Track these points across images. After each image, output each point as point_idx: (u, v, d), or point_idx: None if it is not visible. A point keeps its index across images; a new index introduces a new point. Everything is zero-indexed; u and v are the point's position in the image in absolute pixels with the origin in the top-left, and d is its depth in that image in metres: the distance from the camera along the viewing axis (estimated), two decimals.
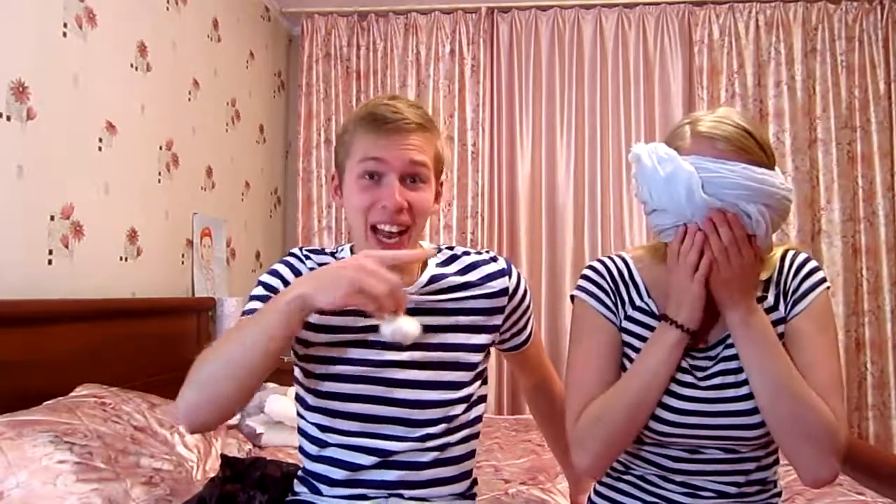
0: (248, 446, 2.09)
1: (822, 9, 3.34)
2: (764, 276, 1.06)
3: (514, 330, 1.23)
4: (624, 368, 1.08)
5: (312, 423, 1.10)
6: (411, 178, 1.06)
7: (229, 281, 3.04)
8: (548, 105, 3.49)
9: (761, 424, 1.01)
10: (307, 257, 1.14)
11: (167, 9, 2.53)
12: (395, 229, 1.05)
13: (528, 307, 1.24)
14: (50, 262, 1.88)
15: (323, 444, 1.09)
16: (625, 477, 1.12)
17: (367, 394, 1.06)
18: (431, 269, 1.13)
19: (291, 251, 1.16)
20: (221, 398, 0.94)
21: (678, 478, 1.07)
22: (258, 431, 2.24)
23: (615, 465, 1.14)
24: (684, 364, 1.05)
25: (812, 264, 1.07)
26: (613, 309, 1.10)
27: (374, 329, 1.06)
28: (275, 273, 1.11)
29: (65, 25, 1.94)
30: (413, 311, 1.02)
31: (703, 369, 1.05)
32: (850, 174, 3.29)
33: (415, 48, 3.54)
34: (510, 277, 1.18)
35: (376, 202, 1.05)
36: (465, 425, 1.12)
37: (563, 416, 1.33)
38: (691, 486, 1.07)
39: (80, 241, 2.00)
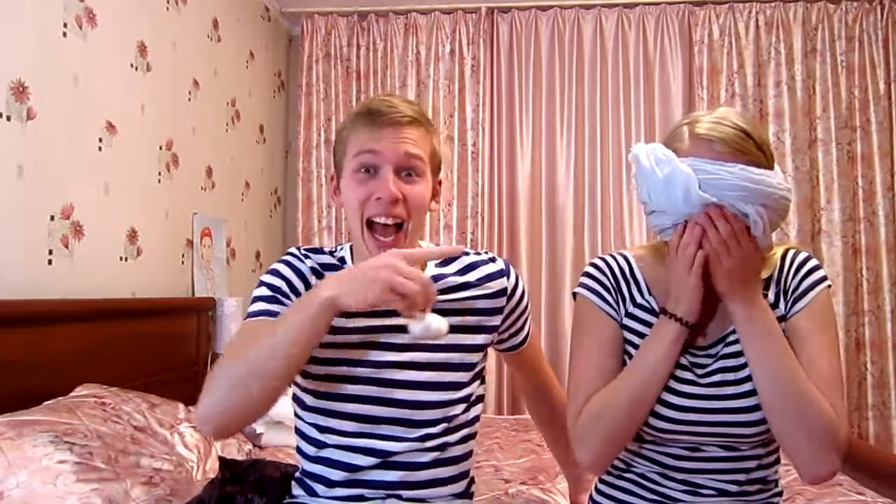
0: (248, 446, 2.09)
1: (822, 9, 3.34)
2: (764, 275, 1.06)
3: (513, 330, 1.23)
4: (625, 365, 1.08)
5: (310, 424, 1.10)
6: (407, 171, 1.07)
7: (229, 281, 3.04)
8: (548, 105, 3.49)
9: (761, 422, 1.01)
10: (306, 256, 1.13)
11: (167, 9, 2.53)
12: (390, 222, 1.05)
13: (526, 308, 1.25)
14: (50, 262, 1.88)
15: (321, 445, 1.09)
16: (626, 475, 1.13)
17: (367, 394, 1.06)
18: (431, 269, 1.13)
19: (289, 251, 1.15)
20: (245, 404, 0.92)
21: (679, 476, 1.08)
22: (258, 431, 2.24)
23: (616, 462, 1.14)
24: (684, 361, 1.06)
25: (813, 263, 1.08)
26: (615, 306, 1.10)
27: (376, 330, 1.07)
28: (276, 273, 1.10)
29: (65, 25, 1.94)
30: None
31: (703, 367, 1.06)
32: (850, 174, 3.29)
33: (415, 48, 3.54)
34: (509, 278, 1.18)
35: (372, 195, 1.05)
36: (464, 425, 1.12)
37: (563, 420, 1.34)
38: (692, 485, 1.07)
39: (80, 241, 2.00)
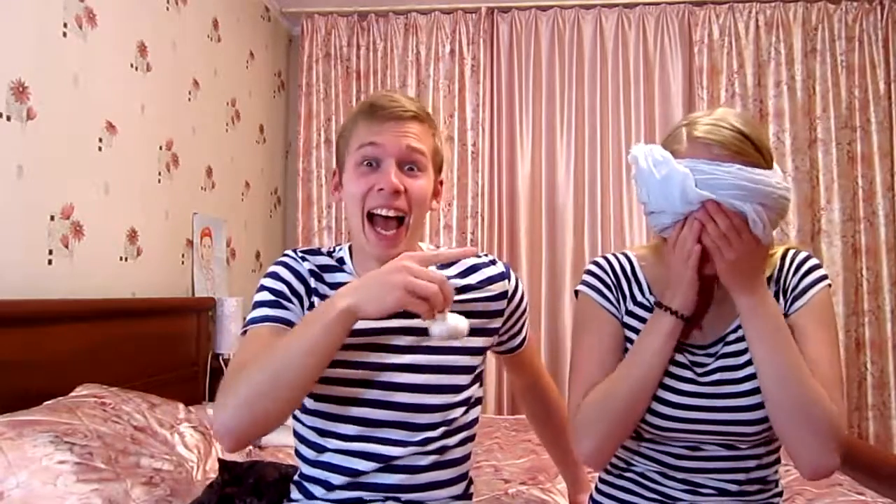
0: (249, 446, 2.09)
1: (822, 9, 3.34)
2: (765, 274, 1.06)
3: (512, 332, 1.23)
4: None
5: (310, 428, 1.09)
6: (409, 165, 1.07)
7: (229, 281, 3.04)
8: (548, 105, 3.49)
9: (761, 420, 1.02)
10: (303, 258, 1.12)
11: (167, 9, 2.53)
12: (391, 214, 1.05)
13: (525, 310, 1.25)
14: (50, 262, 1.88)
15: (321, 449, 1.08)
16: (626, 474, 1.13)
17: (367, 397, 1.05)
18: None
19: (285, 253, 1.14)
20: (263, 416, 0.91)
21: (679, 475, 1.08)
22: None
23: (616, 462, 1.15)
24: (683, 360, 1.06)
25: (813, 262, 1.08)
26: (616, 303, 1.11)
27: (377, 332, 1.06)
28: (276, 276, 1.09)
29: (65, 25, 1.94)
30: (413, 314, 1.02)
31: (703, 365, 1.06)
32: (850, 174, 3.29)
33: (415, 48, 3.54)
34: (509, 280, 1.18)
35: (373, 187, 1.05)
36: (464, 428, 1.11)
37: (559, 419, 1.35)
38: (692, 484, 1.07)
39: (80, 241, 2.00)
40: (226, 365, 2.66)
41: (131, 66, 2.28)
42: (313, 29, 3.60)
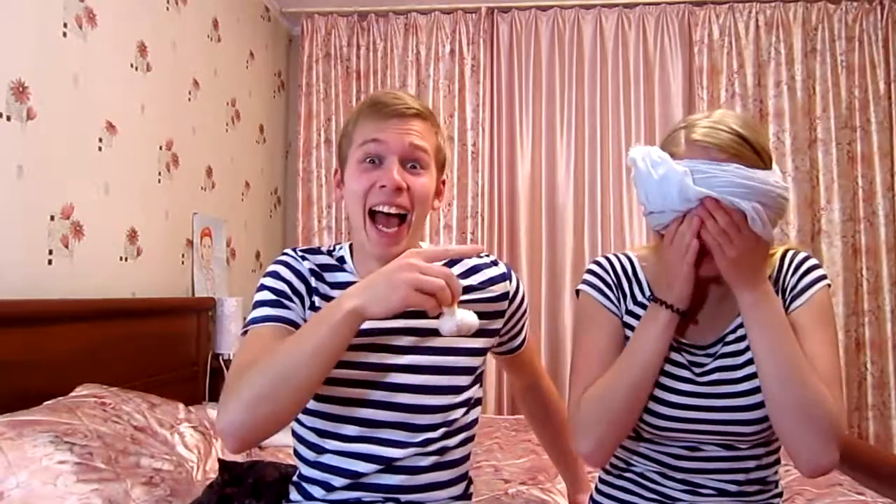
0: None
1: (822, 9, 3.34)
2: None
3: (512, 334, 1.23)
4: None
5: (310, 428, 1.07)
6: (412, 163, 1.06)
7: (229, 281, 3.04)
8: (548, 105, 3.49)
9: (759, 420, 1.02)
10: (303, 257, 1.11)
11: (167, 9, 2.53)
12: (393, 211, 1.04)
13: (525, 312, 1.24)
14: (50, 262, 1.88)
15: (320, 450, 1.07)
16: (626, 474, 1.13)
17: (368, 398, 1.04)
18: None
19: (284, 252, 1.13)
20: (268, 418, 0.90)
21: (678, 475, 1.08)
22: None
23: (616, 462, 1.15)
24: (682, 360, 1.07)
25: (812, 262, 1.08)
26: (616, 302, 1.12)
27: (379, 332, 1.05)
28: (277, 276, 1.08)
29: (65, 25, 1.94)
30: (415, 314, 1.01)
31: (702, 365, 1.06)
32: (850, 174, 3.29)
33: (415, 48, 3.55)
34: (510, 282, 1.18)
35: (375, 183, 1.04)
36: (464, 428, 1.11)
37: (556, 418, 1.35)
38: (691, 484, 1.08)
39: (80, 241, 2.00)
40: (226, 365, 2.66)
41: (131, 66, 2.28)
42: (313, 29, 3.60)
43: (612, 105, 3.45)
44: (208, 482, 1.35)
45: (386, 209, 1.04)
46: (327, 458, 1.06)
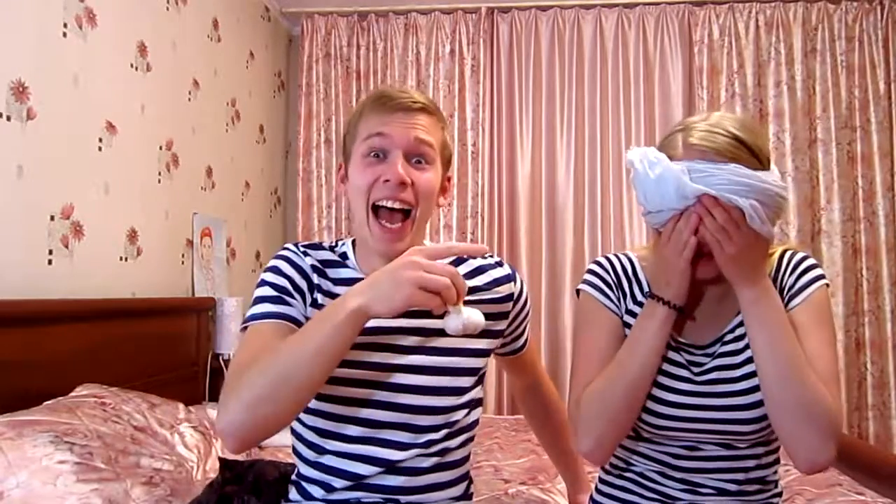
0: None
1: (822, 9, 3.34)
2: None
3: (515, 335, 1.22)
4: None
5: (310, 428, 1.06)
6: (417, 157, 1.05)
7: (229, 281, 3.04)
8: (548, 105, 3.49)
9: (758, 419, 1.02)
10: (305, 253, 1.09)
11: (167, 9, 2.53)
12: (397, 206, 1.03)
13: (528, 313, 1.24)
14: (50, 262, 1.88)
15: (321, 451, 1.05)
16: (626, 474, 1.14)
17: (371, 398, 1.02)
18: None
19: (285, 246, 1.11)
20: (268, 418, 0.89)
21: (678, 475, 1.08)
22: None
23: (616, 462, 1.15)
24: (680, 359, 1.07)
25: (810, 262, 1.08)
26: (616, 302, 1.12)
27: (383, 331, 1.03)
28: (278, 271, 1.07)
29: (65, 25, 1.94)
30: (420, 314, 1.01)
31: (700, 365, 1.07)
32: (850, 174, 3.29)
33: (415, 48, 3.55)
34: (515, 283, 1.17)
35: (379, 178, 1.02)
36: (465, 429, 1.10)
37: (556, 418, 1.35)
38: (691, 483, 1.08)
39: (80, 241, 2.00)
40: (226, 365, 2.66)
41: (131, 66, 2.28)
42: (313, 29, 3.60)
43: (612, 105, 3.45)
44: (208, 482, 1.35)
45: (389, 204, 1.03)
46: (328, 459, 1.05)
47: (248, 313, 1.04)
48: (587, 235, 3.43)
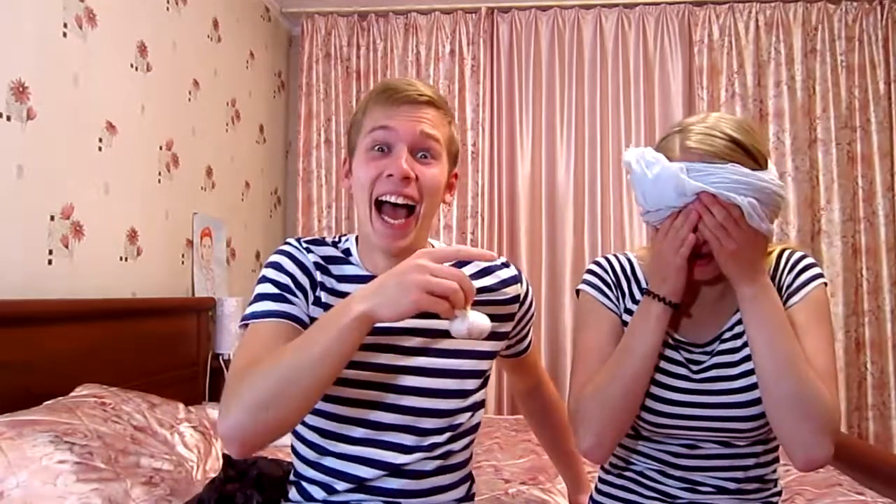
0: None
1: (822, 9, 3.34)
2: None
3: (519, 337, 1.21)
4: None
5: (312, 428, 1.04)
6: (422, 152, 1.02)
7: (229, 281, 3.04)
8: (548, 105, 3.49)
9: (756, 417, 1.02)
10: (308, 249, 1.06)
11: (167, 9, 2.53)
12: (400, 201, 1.00)
13: (533, 315, 1.23)
14: (50, 262, 1.88)
15: (322, 452, 1.03)
16: (625, 473, 1.14)
17: (375, 400, 1.00)
18: None
19: (287, 241, 1.08)
20: (271, 424, 0.87)
21: (677, 473, 1.09)
22: None
23: (616, 461, 1.16)
24: (679, 357, 1.08)
25: (808, 261, 1.09)
26: (615, 301, 1.13)
27: (388, 332, 1.01)
28: (280, 268, 1.04)
29: (65, 25, 1.94)
30: (425, 315, 0.99)
31: (699, 363, 1.07)
32: (850, 174, 3.29)
33: (415, 48, 3.55)
34: (521, 284, 1.16)
35: (383, 172, 1.00)
36: (468, 432, 1.09)
37: (557, 419, 1.35)
38: (690, 482, 1.08)
39: (80, 241, 2.00)
40: (226, 365, 2.66)
41: (131, 66, 2.28)
42: (313, 29, 3.60)
43: (612, 105, 3.45)
44: (209, 479, 1.35)
45: (393, 199, 1.00)
46: (330, 461, 1.03)
47: (249, 310, 1.01)
48: (587, 235, 3.43)
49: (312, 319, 1.01)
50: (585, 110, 3.47)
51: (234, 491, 1.21)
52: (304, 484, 1.07)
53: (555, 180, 3.48)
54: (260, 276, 1.05)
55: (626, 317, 1.12)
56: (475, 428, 1.11)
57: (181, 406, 1.92)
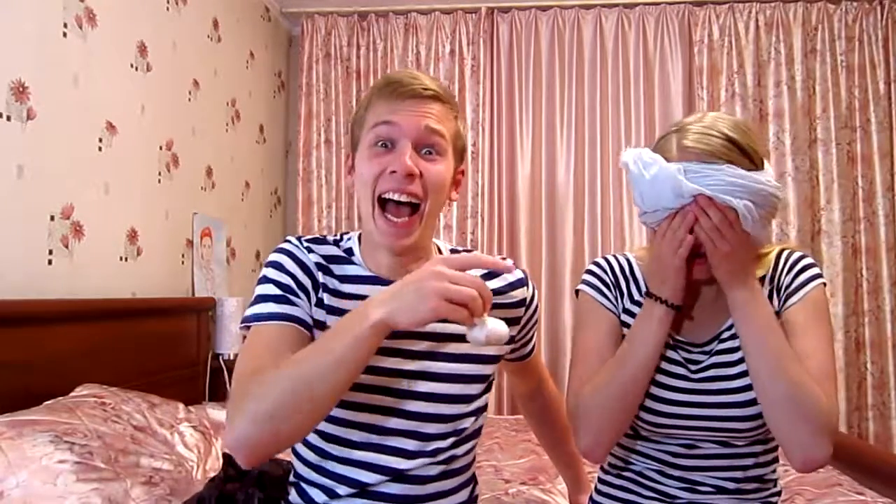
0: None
1: (822, 9, 3.34)
2: (759, 273, 1.07)
3: (524, 340, 1.20)
4: None
5: (315, 431, 1.01)
6: (427, 148, 0.99)
7: (229, 281, 3.04)
8: (548, 105, 3.49)
9: (754, 417, 1.03)
10: (309, 248, 1.04)
11: (167, 9, 2.53)
12: (404, 199, 0.97)
13: (538, 319, 1.22)
14: (50, 262, 1.88)
15: (324, 455, 1.01)
16: (625, 473, 1.14)
17: (380, 404, 0.98)
18: None
19: (287, 239, 1.05)
20: (280, 432, 0.84)
21: (676, 473, 1.09)
22: None
23: (615, 461, 1.16)
24: (678, 357, 1.08)
25: (807, 261, 1.09)
26: (614, 301, 1.13)
27: (397, 335, 0.97)
28: (281, 268, 1.01)
29: (65, 25, 1.94)
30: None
31: (697, 363, 1.08)
32: (850, 174, 3.29)
33: (415, 48, 3.55)
34: (528, 287, 1.14)
35: (386, 169, 0.97)
36: (472, 436, 1.08)
37: (558, 419, 1.36)
38: (689, 482, 1.08)
39: (80, 241, 2.00)
40: (226, 365, 2.66)
41: (131, 66, 2.28)
42: (313, 29, 3.60)
43: (612, 105, 3.46)
44: (210, 477, 1.35)
45: (396, 197, 0.97)
46: (331, 465, 1.01)
47: (250, 312, 0.98)
48: (587, 235, 3.43)
49: (315, 321, 1.00)
50: (585, 110, 3.47)
51: (234, 490, 1.21)
52: (305, 486, 1.05)
53: (555, 180, 3.48)
54: (260, 275, 1.03)
55: (624, 317, 1.13)
56: (478, 432, 1.10)
57: (181, 406, 1.92)
